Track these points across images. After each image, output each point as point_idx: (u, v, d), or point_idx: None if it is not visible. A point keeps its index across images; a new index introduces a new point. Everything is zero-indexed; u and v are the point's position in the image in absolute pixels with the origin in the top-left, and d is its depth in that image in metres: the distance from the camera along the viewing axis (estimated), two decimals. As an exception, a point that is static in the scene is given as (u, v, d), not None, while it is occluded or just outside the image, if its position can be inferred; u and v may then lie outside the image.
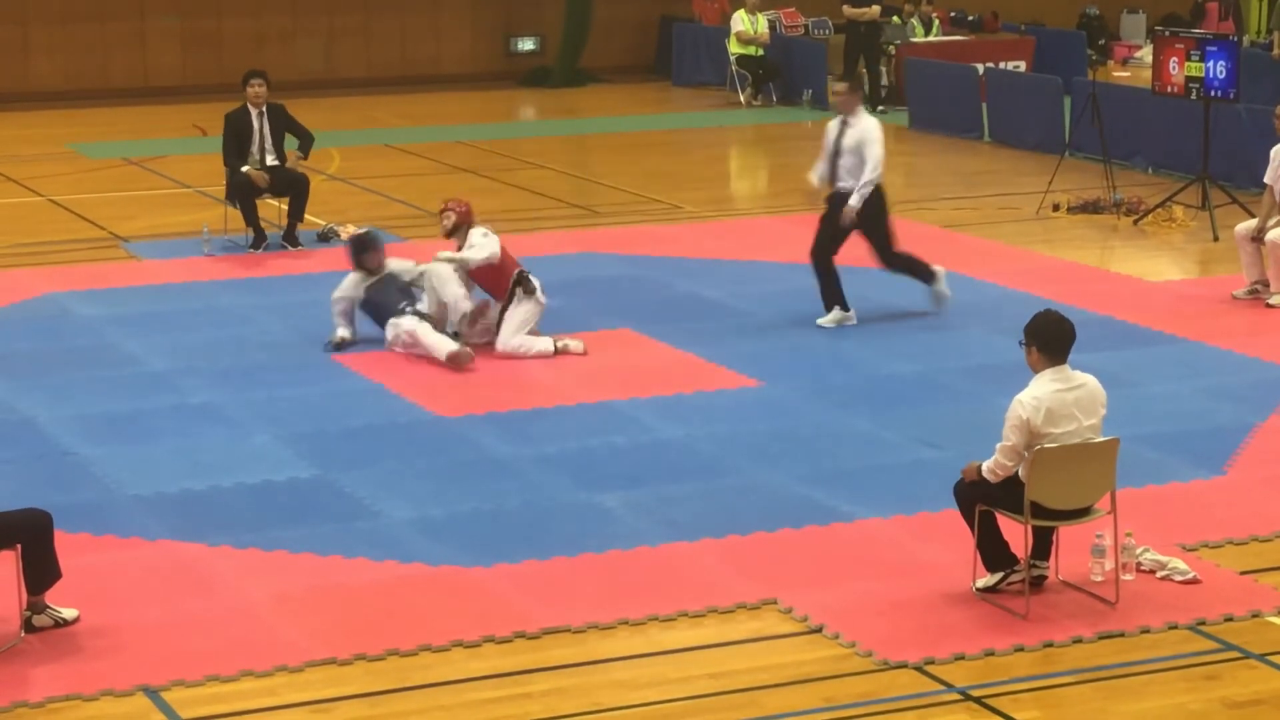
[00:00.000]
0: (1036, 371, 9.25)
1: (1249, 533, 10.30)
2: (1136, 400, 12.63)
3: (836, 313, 14.72)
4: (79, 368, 13.66)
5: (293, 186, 17.59)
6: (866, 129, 14.41)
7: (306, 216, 17.85)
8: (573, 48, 30.38)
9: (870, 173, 14.34)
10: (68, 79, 28.66)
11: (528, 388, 13.14)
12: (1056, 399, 9.13)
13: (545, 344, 13.75)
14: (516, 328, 13.74)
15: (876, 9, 26.96)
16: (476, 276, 13.84)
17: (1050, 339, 9.23)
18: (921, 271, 14.90)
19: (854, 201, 14.38)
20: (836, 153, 14.48)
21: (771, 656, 8.84)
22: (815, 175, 14.78)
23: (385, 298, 14.18)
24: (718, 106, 28.15)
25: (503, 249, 13.81)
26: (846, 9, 26.99)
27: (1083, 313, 14.74)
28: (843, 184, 14.50)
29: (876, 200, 14.53)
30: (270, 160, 17.62)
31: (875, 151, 14.33)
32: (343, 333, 14.15)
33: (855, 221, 14.46)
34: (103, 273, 16.76)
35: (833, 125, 14.62)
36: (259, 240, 17.46)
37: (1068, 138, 21.43)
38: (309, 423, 12.36)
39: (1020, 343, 9.36)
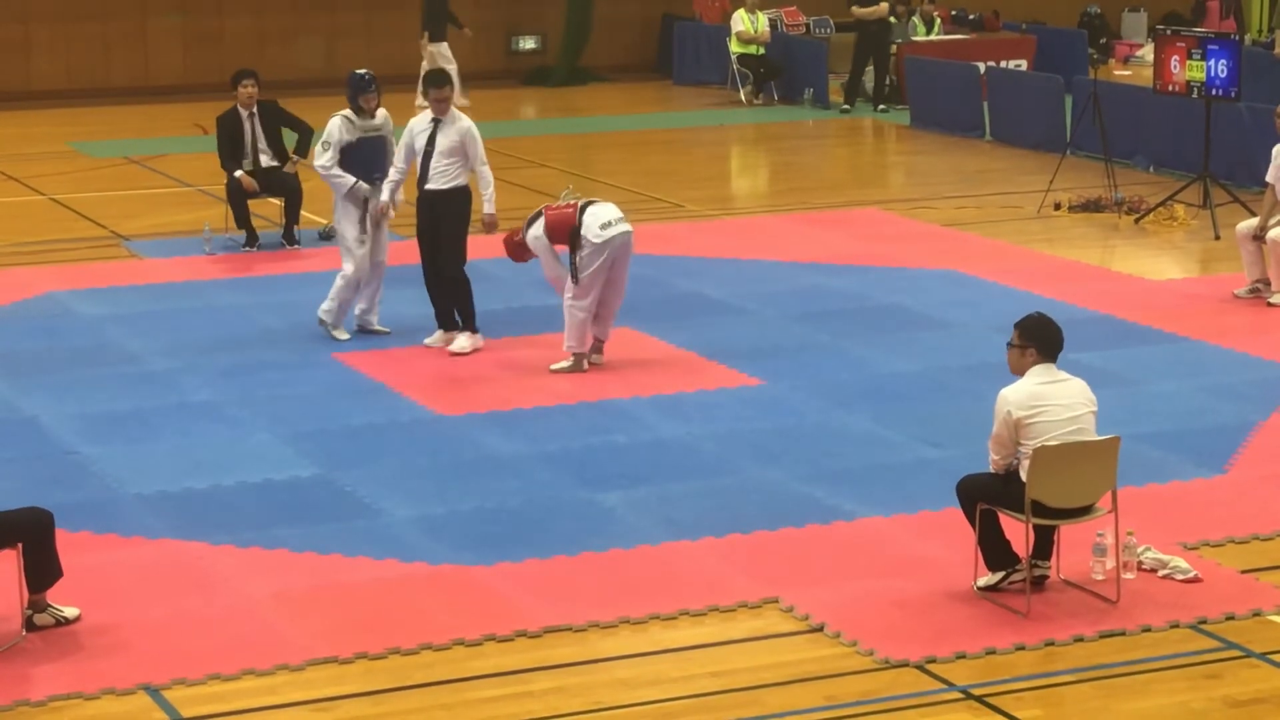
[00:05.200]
0: (1021, 374, 9.31)
1: (1250, 531, 10.30)
2: (1138, 399, 12.64)
3: (439, 335, 14.15)
4: (80, 366, 13.67)
5: (286, 190, 17.65)
6: (468, 128, 13.77)
7: (308, 215, 17.88)
8: (574, 46, 30.38)
9: (490, 174, 13.82)
10: (69, 78, 28.66)
11: (529, 386, 13.13)
12: (1039, 388, 9.22)
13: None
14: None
15: (885, 6, 26.96)
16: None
17: (1050, 340, 9.31)
18: (466, 312, 14.03)
19: (490, 209, 13.79)
20: (429, 153, 13.77)
21: (773, 655, 8.84)
22: (388, 190, 14.08)
23: (371, 151, 14.25)
24: (719, 105, 28.15)
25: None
26: (855, 9, 26.97)
27: (1084, 311, 14.79)
28: (433, 185, 13.79)
29: (467, 203, 13.94)
30: (266, 160, 17.67)
31: (482, 153, 13.80)
32: (365, 185, 14.19)
33: (496, 229, 13.94)
34: (104, 271, 16.77)
35: (421, 127, 13.85)
36: (251, 240, 17.52)
37: (1069, 136, 21.43)
38: (310, 421, 12.37)
39: (1009, 344, 9.39)
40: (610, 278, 13.39)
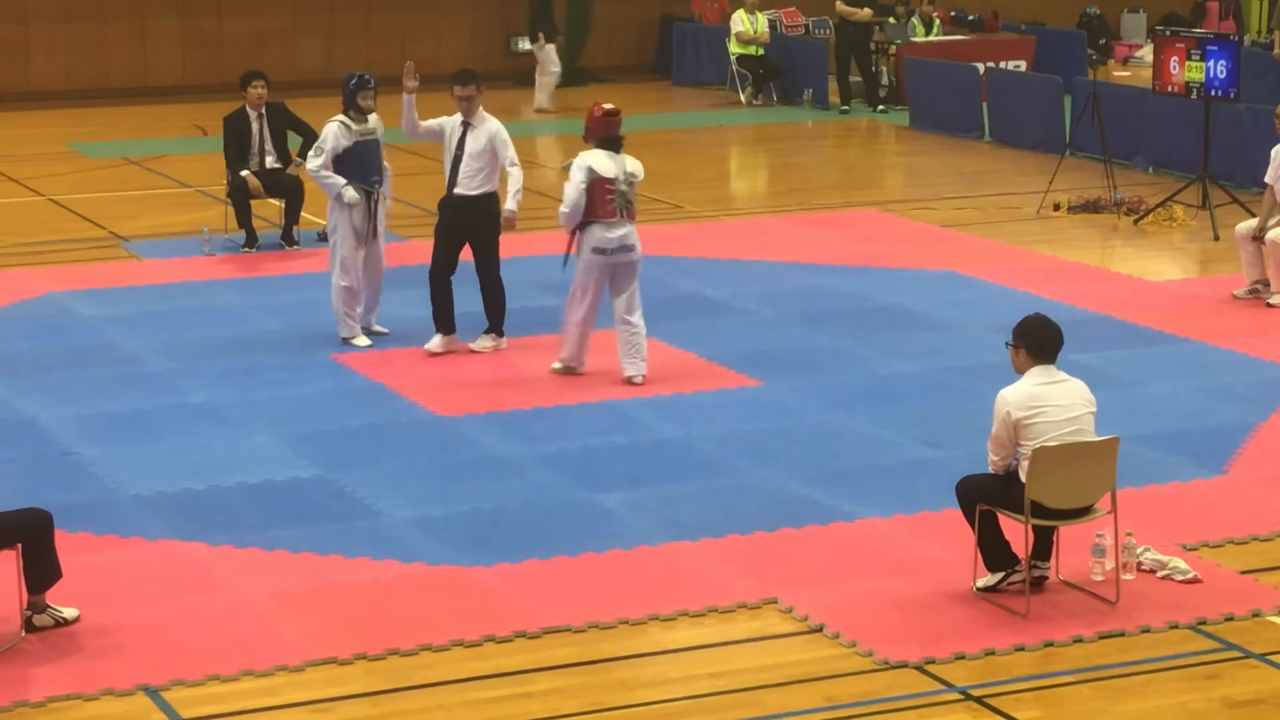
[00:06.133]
0: (1022, 374, 9.32)
1: (1249, 532, 10.30)
2: (1137, 400, 12.64)
3: (440, 339, 13.96)
4: (79, 367, 13.67)
5: (288, 191, 17.66)
6: (497, 131, 13.63)
7: (306, 216, 17.89)
8: (573, 47, 30.38)
9: (521, 175, 13.71)
10: (68, 78, 28.66)
11: (528, 387, 13.14)
12: (1037, 389, 9.23)
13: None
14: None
15: (868, 11, 26.96)
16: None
17: (1040, 341, 9.31)
18: (497, 317, 13.99)
19: (512, 206, 13.61)
20: (459, 156, 13.63)
21: (772, 656, 8.84)
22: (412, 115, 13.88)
23: (367, 156, 14.16)
24: (718, 106, 28.16)
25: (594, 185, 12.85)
26: (839, 5, 26.99)
27: (1083, 312, 14.80)
28: (463, 190, 13.64)
29: (497, 208, 13.73)
30: (270, 162, 17.68)
31: (515, 154, 13.69)
32: (353, 193, 14.04)
33: (514, 228, 13.84)
34: (103, 272, 16.77)
35: (452, 127, 13.72)
36: (250, 241, 17.52)
37: (1068, 137, 21.43)
38: (309, 422, 12.37)
39: (1007, 344, 9.40)
40: (611, 290, 13.07)
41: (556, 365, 13.46)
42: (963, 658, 8.76)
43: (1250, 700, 8.35)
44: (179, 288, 16.16)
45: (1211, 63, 18.56)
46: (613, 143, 13.00)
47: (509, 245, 14.38)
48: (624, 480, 11.19)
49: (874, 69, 27.47)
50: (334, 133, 14.12)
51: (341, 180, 14.07)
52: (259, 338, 14.48)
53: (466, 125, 13.70)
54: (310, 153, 14.37)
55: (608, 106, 13.20)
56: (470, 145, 13.65)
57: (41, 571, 9.01)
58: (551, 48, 27.67)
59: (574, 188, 12.79)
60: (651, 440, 11.98)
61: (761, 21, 28.26)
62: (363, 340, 14.20)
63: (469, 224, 13.80)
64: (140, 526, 10.48)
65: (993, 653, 8.81)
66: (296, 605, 9.37)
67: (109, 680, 8.55)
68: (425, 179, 21.30)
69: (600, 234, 12.90)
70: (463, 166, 13.66)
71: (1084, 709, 8.31)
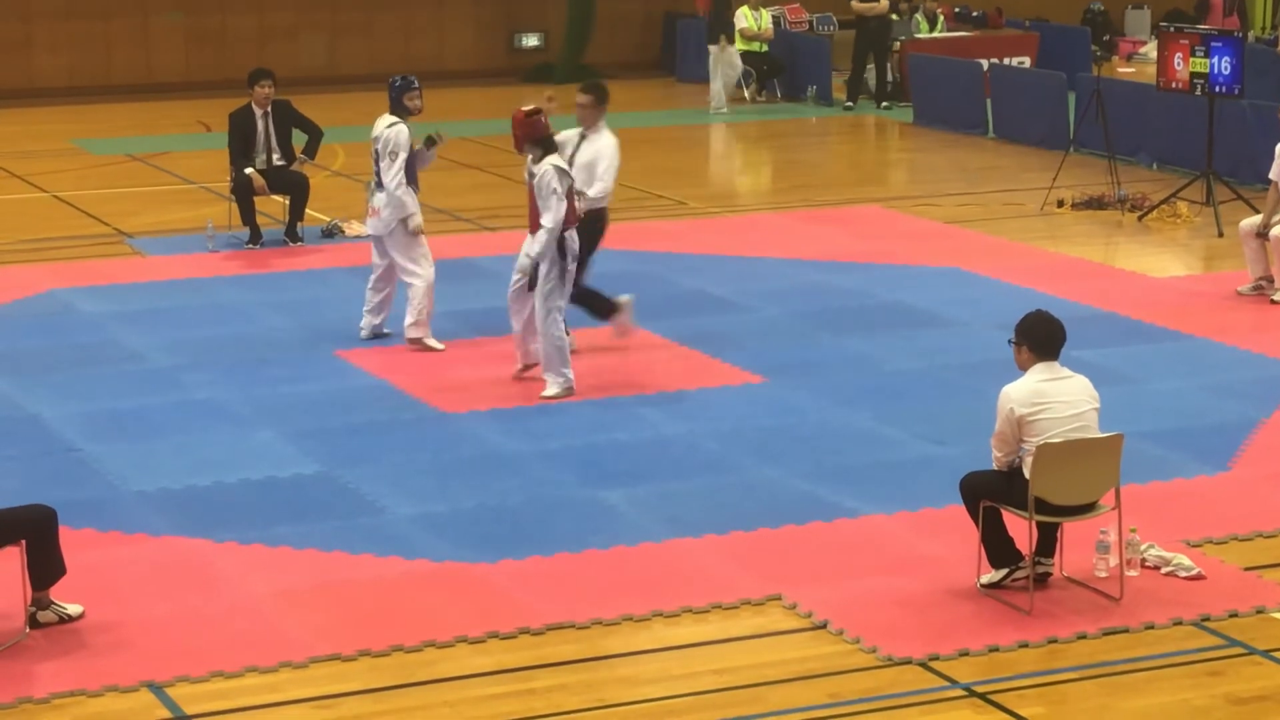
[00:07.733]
0: (1025, 370, 9.31)
1: (1253, 529, 10.30)
2: (1141, 396, 12.64)
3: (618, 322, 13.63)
4: (83, 364, 13.67)
5: (293, 187, 17.65)
6: (602, 148, 13.27)
7: (311, 213, 17.89)
8: (577, 44, 30.37)
9: (594, 192, 13.13)
10: (71, 75, 28.68)
11: (532, 384, 13.12)
12: (1041, 385, 9.22)
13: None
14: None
15: (885, 3, 26.97)
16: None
17: (1041, 338, 9.30)
18: (601, 307, 13.68)
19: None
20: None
21: (776, 652, 8.85)
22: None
23: (413, 158, 13.95)
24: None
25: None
26: (855, 4, 26.99)
27: (1087, 309, 14.79)
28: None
29: (595, 222, 13.27)
30: (275, 159, 17.67)
31: (604, 170, 13.21)
32: (419, 221, 13.78)
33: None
34: (107, 269, 16.77)
35: (571, 138, 13.35)
36: (254, 237, 17.51)
37: (1072, 134, 21.43)
38: (313, 419, 12.37)
39: (1010, 341, 9.40)
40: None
41: (560, 388, 12.77)
42: (966, 654, 8.76)
43: (1254, 697, 8.35)
44: (183, 284, 16.16)
45: (1216, 59, 18.55)
46: (550, 144, 12.62)
47: (512, 242, 14.36)
48: (627, 477, 11.19)
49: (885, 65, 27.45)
50: (406, 139, 13.82)
51: (417, 206, 13.81)
52: (263, 334, 14.48)
53: (583, 137, 13.37)
54: (385, 161, 13.82)
55: (528, 108, 12.71)
56: (579, 159, 13.23)
57: (45, 568, 9.01)
58: (733, 49, 27.43)
59: (561, 203, 12.42)
60: (655, 437, 11.98)
61: (765, 18, 28.24)
62: (437, 343, 13.90)
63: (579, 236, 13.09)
64: (144, 523, 10.49)
65: (996, 649, 8.81)
66: (300, 602, 9.38)
67: (113, 676, 8.56)
68: (428, 176, 21.26)
69: (572, 237, 12.67)
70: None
71: (1088, 705, 8.31)
